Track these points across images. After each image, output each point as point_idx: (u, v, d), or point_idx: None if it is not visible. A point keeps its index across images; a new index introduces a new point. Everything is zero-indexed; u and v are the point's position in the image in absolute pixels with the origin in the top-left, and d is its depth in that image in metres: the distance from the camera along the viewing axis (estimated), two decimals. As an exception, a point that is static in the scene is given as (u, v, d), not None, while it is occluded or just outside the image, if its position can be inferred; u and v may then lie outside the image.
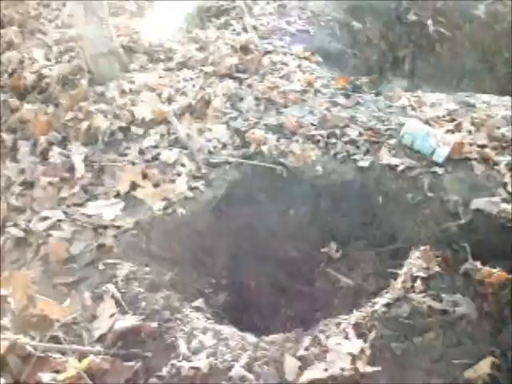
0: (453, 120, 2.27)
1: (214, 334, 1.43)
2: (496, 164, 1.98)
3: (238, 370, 1.30)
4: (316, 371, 1.30)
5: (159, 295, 1.57)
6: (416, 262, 1.58)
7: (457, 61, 3.63)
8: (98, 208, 1.94)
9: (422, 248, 1.64)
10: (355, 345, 1.35)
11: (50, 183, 2.07)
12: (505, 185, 1.90)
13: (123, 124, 2.35)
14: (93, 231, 1.84)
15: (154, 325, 1.45)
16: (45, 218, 1.92)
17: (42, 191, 2.04)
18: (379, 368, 1.31)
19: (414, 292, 1.49)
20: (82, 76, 2.64)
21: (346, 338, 1.39)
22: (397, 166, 2.00)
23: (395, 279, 1.57)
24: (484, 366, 1.30)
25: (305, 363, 1.33)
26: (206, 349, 1.37)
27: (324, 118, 2.30)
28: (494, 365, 1.30)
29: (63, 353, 1.37)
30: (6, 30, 3.16)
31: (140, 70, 2.75)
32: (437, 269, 1.55)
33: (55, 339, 1.42)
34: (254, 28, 3.17)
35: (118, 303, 1.53)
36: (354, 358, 1.31)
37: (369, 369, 1.29)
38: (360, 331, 1.41)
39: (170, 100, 2.48)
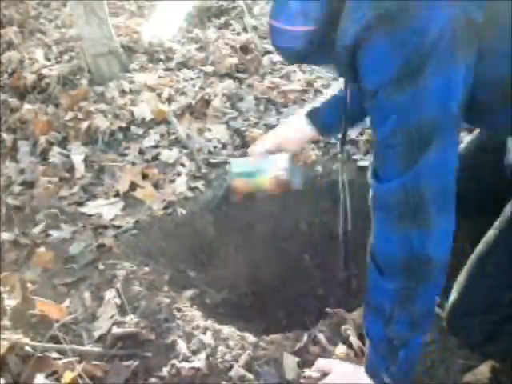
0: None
1: (213, 334, 1.43)
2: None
3: (237, 370, 1.30)
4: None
5: (159, 295, 1.57)
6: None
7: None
8: (98, 208, 1.94)
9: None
10: (359, 355, 1.34)
11: (50, 183, 2.07)
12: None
13: (123, 124, 2.35)
14: (93, 231, 1.84)
15: (154, 325, 1.45)
16: (44, 218, 1.92)
17: (41, 191, 2.04)
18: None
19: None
20: (81, 76, 2.65)
21: (347, 340, 1.39)
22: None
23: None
24: (484, 370, 1.30)
25: (304, 363, 1.33)
26: (206, 349, 1.38)
27: (324, 117, 2.30)
28: (494, 368, 1.30)
29: (63, 353, 1.37)
30: (6, 30, 3.17)
31: (140, 69, 2.75)
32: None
33: (55, 339, 1.42)
34: (254, 28, 3.17)
35: (118, 303, 1.53)
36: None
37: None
38: (360, 331, 1.41)
39: (170, 100, 2.49)
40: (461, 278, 1.33)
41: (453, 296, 1.33)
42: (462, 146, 1.61)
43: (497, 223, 1.29)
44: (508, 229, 1.26)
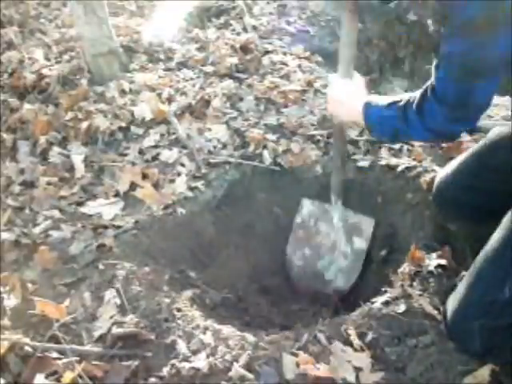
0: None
1: (213, 334, 1.43)
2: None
3: (237, 370, 1.30)
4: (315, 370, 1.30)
5: (159, 295, 1.57)
6: (415, 262, 1.58)
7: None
8: (98, 208, 1.94)
9: (421, 248, 1.64)
10: (359, 355, 1.35)
11: (50, 183, 2.07)
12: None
13: (123, 124, 2.35)
14: (93, 231, 1.85)
15: (154, 325, 1.45)
16: (44, 218, 1.92)
17: (41, 191, 2.04)
18: (381, 374, 1.30)
19: (411, 293, 1.49)
20: (81, 76, 2.64)
21: (348, 341, 1.39)
22: (397, 166, 2.01)
23: (394, 279, 1.57)
24: (484, 373, 1.30)
25: (304, 363, 1.32)
26: (206, 349, 1.38)
27: (324, 118, 2.30)
28: (494, 371, 1.30)
29: (63, 353, 1.37)
30: (6, 30, 3.16)
31: (140, 69, 2.75)
32: (436, 269, 1.55)
33: (55, 339, 1.42)
34: (254, 28, 3.17)
35: (118, 303, 1.53)
36: (357, 369, 1.31)
37: (370, 380, 1.29)
38: (360, 331, 1.41)
39: (170, 100, 2.49)
40: (461, 285, 1.34)
41: (453, 302, 1.35)
42: (466, 157, 1.63)
43: (497, 231, 1.31)
44: (507, 236, 1.28)
